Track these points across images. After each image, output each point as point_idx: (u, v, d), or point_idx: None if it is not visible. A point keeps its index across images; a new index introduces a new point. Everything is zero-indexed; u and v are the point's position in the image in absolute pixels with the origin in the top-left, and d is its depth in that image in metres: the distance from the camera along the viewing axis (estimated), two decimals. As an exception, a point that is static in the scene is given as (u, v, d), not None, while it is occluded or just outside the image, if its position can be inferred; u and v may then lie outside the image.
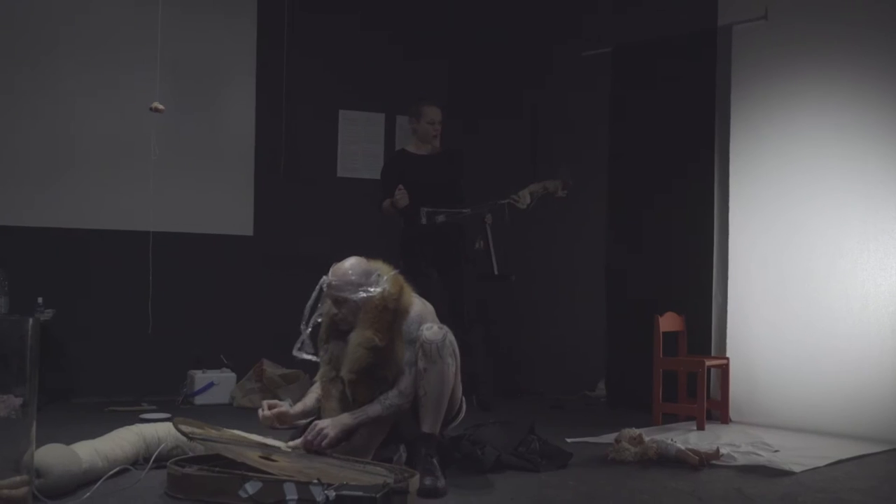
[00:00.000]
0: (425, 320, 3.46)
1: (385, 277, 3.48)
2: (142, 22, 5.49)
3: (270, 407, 3.50)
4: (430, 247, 5.30)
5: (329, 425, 3.33)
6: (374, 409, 3.37)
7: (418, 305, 3.52)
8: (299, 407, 3.58)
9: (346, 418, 3.35)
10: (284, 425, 3.57)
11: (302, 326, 3.50)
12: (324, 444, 3.29)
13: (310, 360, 3.58)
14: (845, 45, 4.91)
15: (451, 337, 3.41)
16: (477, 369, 5.26)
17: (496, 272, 5.28)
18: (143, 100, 5.23)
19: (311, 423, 3.55)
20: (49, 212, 5.53)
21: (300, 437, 3.42)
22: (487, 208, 5.27)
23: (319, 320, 3.55)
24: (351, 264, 3.50)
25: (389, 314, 3.41)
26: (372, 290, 3.43)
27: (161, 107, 5.02)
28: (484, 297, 5.95)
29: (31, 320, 2.70)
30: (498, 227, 5.32)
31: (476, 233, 5.30)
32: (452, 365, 3.39)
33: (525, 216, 5.34)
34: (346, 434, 3.35)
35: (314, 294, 3.50)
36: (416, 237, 5.29)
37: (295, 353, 3.54)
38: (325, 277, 3.49)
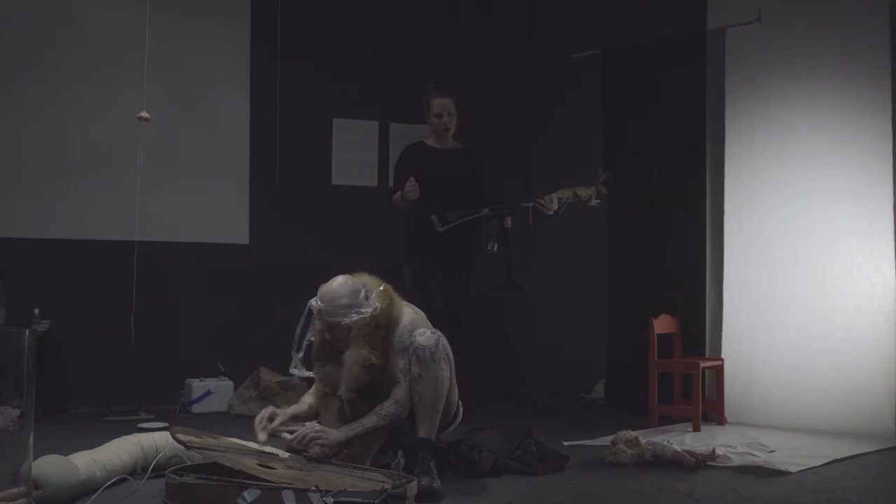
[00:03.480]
0: (417, 326, 3.47)
1: (374, 293, 3.47)
2: (134, 33, 5.49)
3: (267, 421, 3.51)
4: (437, 248, 4.91)
5: (329, 432, 3.34)
6: (370, 420, 3.37)
7: (409, 314, 3.53)
8: (291, 410, 3.59)
9: (344, 430, 3.36)
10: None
11: (293, 353, 3.50)
12: (318, 442, 3.29)
13: (308, 377, 3.61)
14: (838, 47, 4.94)
15: (444, 342, 3.42)
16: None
17: (511, 280, 4.96)
18: (137, 109, 5.24)
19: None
20: (46, 223, 5.53)
21: (295, 441, 3.44)
22: (509, 210, 4.94)
23: (311, 339, 3.55)
24: (339, 285, 3.45)
25: (382, 330, 3.42)
26: (364, 310, 3.41)
27: (146, 115, 5.01)
28: (486, 306, 5.76)
29: (27, 331, 2.70)
30: (515, 231, 5.01)
31: (489, 235, 4.96)
32: (447, 370, 3.40)
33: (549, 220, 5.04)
34: (342, 447, 3.35)
35: (302, 319, 3.50)
36: (422, 238, 4.92)
37: (291, 371, 3.56)
38: (312, 301, 3.46)
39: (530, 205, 4.90)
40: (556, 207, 4.87)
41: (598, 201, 4.98)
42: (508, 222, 4.94)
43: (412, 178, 4.89)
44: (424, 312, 4.61)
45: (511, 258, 4.93)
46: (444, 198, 4.90)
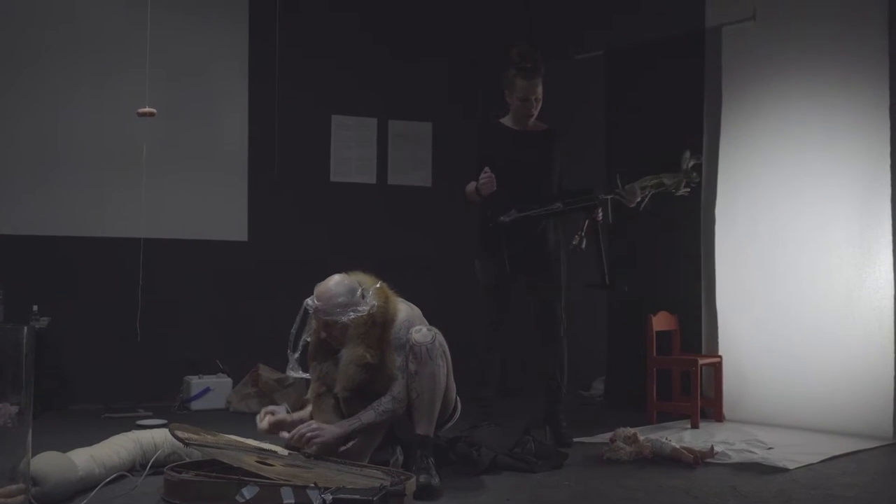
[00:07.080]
0: (413, 323, 3.47)
1: (370, 291, 3.48)
2: (131, 25, 5.46)
3: (268, 414, 3.52)
4: (518, 245, 4.35)
5: (325, 428, 3.35)
6: (367, 415, 3.38)
7: (405, 311, 3.53)
8: (297, 416, 3.59)
9: (341, 426, 3.37)
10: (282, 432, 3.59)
11: (289, 352, 3.51)
12: (315, 440, 3.31)
13: (304, 378, 3.62)
14: (833, 43, 4.93)
15: (440, 338, 3.43)
16: (559, 396, 4.44)
17: (606, 282, 4.40)
18: (135, 104, 5.21)
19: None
20: (43, 220, 5.51)
21: (293, 440, 3.44)
22: (585, 203, 4.35)
23: (308, 339, 3.56)
24: (335, 284, 3.46)
25: (378, 328, 3.42)
26: (361, 308, 3.41)
27: (148, 110, 4.98)
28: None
29: (26, 329, 2.71)
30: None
31: (574, 228, 4.41)
32: (443, 366, 3.41)
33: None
34: (339, 441, 3.36)
35: (298, 317, 3.50)
36: (500, 234, 4.32)
37: (288, 372, 3.56)
38: (308, 301, 3.47)
39: (609, 196, 4.39)
40: (638, 198, 4.38)
41: (688, 189, 4.45)
42: (598, 215, 4.37)
43: (487, 170, 4.27)
44: (499, 319, 4.43)
45: (603, 256, 4.37)
46: (524, 186, 4.35)
